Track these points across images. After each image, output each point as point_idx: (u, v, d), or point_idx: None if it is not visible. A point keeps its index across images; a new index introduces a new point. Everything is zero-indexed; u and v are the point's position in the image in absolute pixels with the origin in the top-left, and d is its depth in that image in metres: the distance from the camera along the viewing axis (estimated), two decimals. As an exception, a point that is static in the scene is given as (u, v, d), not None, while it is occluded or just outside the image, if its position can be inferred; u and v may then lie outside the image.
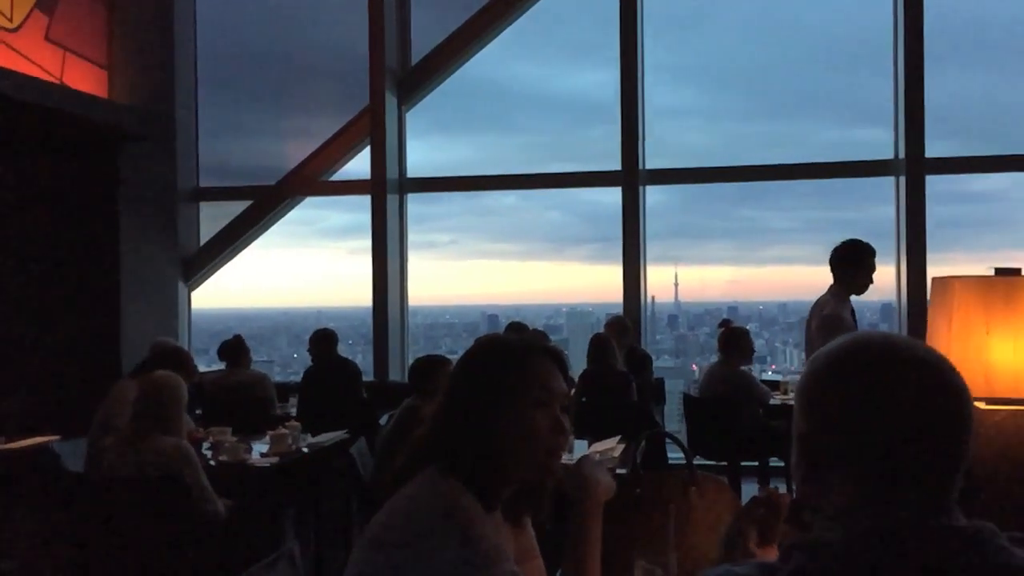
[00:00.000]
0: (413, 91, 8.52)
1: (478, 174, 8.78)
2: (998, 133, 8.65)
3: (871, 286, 4.69)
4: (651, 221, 8.16)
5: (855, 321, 4.60)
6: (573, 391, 6.49)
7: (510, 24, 8.39)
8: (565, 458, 4.72)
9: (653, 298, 10.11)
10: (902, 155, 7.42)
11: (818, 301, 4.70)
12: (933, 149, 7.46)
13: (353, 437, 5.05)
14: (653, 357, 10.89)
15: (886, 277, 7.74)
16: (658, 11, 8.16)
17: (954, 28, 8.18)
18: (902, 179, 7.42)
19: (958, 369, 2.20)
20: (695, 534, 2.77)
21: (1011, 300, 2.28)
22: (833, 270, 4.64)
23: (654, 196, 8.26)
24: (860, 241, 4.66)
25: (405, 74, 8.47)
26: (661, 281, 10.19)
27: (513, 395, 1.69)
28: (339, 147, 8.64)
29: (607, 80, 8.10)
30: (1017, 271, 2.35)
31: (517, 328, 6.60)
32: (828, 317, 4.48)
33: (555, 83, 10.19)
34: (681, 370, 11.03)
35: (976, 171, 7.87)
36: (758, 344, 11.33)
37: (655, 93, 8.21)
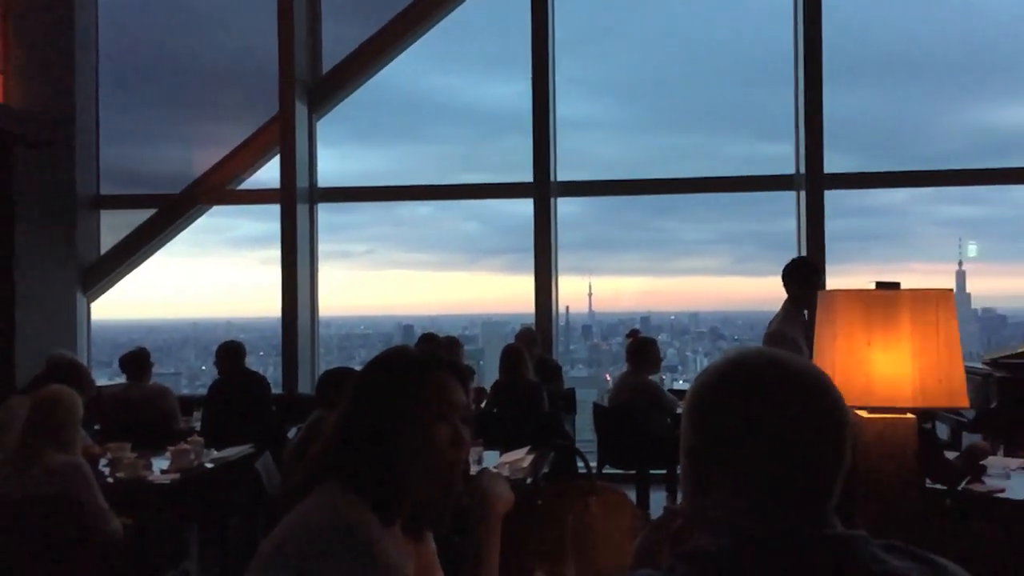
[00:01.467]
0: (324, 100, 8.44)
1: (391, 184, 8.74)
2: (895, 149, 9.05)
3: None
4: (566, 232, 8.25)
5: (807, 336, 4.68)
6: (484, 402, 6.52)
7: (422, 35, 8.40)
8: (474, 469, 4.74)
9: (568, 308, 10.24)
10: (803, 170, 7.67)
11: (773, 316, 4.82)
12: (833, 165, 7.74)
13: (259, 451, 4.97)
14: (568, 367, 11.03)
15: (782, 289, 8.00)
16: (571, 25, 8.28)
17: (853, 47, 8.52)
18: (803, 193, 7.67)
19: (843, 379, 2.29)
20: (595, 543, 2.82)
21: (890, 313, 2.38)
22: (785, 287, 4.75)
23: (569, 207, 8.36)
24: (805, 259, 4.85)
25: (316, 83, 8.39)
26: (576, 291, 10.33)
27: (413, 408, 1.68)
28: (248, 155, 8.50)
29: (520, 92, 8.18)
30: (896, 285, 2.46)
31: (429, 339, 6.59)
32: (770, 334, 4.62)
33: (469, 94, 10.25)
34: (595, 379, 11.16)
35: (873, 186, 8.19)
36: (669, 353, 11.59)
37: (569, 106, 8.33)
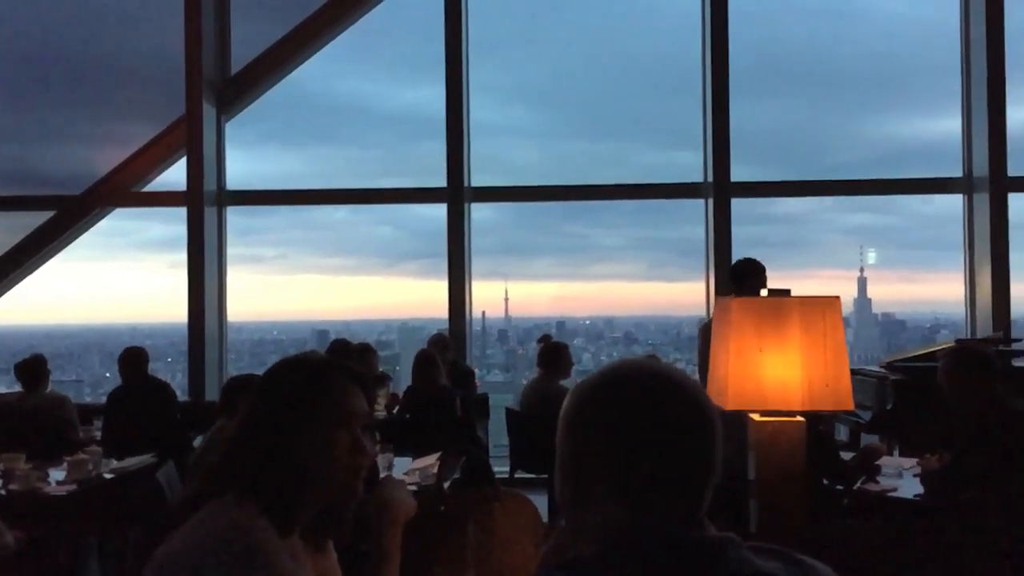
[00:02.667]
0: (234, 100, 8.27)
1: (305, 188, 8.62)
2: (800, 160, 9.34)
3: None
4: (482, 237, 8.27)
5: None
6: (397, 408, 6.49)
7: (336, 36, 8.31)
8: (384, 475, 4.68)
9: (484, 313, 10.25)
10: (710, 179, 7.85)
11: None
12: (741, 173, 7.95)
13: (162, 461, 4.84)
14: (484, 372, 11.02)
15: (699, 294, 8.18)
16: (488, 31, 8.30)
17: (760, 60, 8.77)
18: (710, 201, 7.85)
19: (736, 383, 2.35)
20: (498, 549, 2.82)
21: (780, 320, 2.46)
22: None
23: (485, 212, 8.37)
24: (747, 260, 4.94)
25: (225, 83, 8.22)
26: (492, 296, 10.35)
27: (311, 416, 1.66)
28: (154, 156, 8.28)
29: (436, 96, 8.17)
30: (787, 292, 2.54)
31: (341, 345, 6.51)
32: (702, 328, 4.73)
33: (385, 97, 10.18)
34: (511, 384, 11.20)
35: (777, 195, 8.43)
36: (584, 358, 11.70)
37: (486, 111, 8.34)
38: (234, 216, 8.47)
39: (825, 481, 4.28)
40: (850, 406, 2.47)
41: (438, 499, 2.84)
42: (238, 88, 8.25)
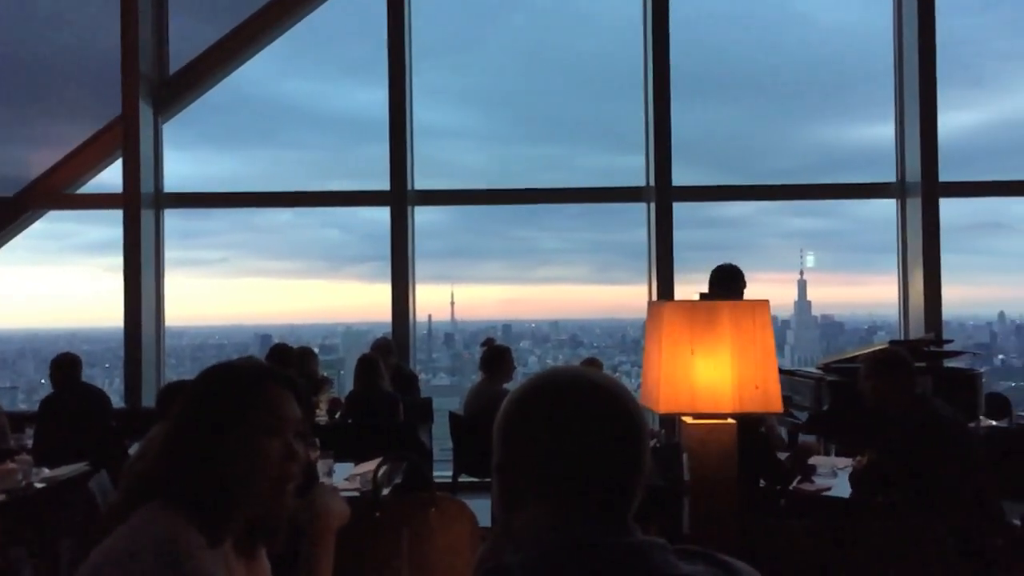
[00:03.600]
0: (172, 101, 8.13)
1: (248, 190, 8.50)
2: (742, 164, 9.47)
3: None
4: (429, 240, 8.24)
5: None
6: (339, 413, 6.43)
7: (277, 37, 8.22)
8: (324, 482, 4.64)
9: (430, 317, 10.21)
10: (652, 183, 7.93)
11: None
12: (685, 177, 8.05)
13: (95, 469, 4.73)
14: (430, 375, 10.95)
15: (644, 297, 8.25)
16: (434, 34, 8.28)
17: (705, 66, 8.88)
18: (653, 205, 7.93)
19: (668, 387, 2.37)
20: (434, 554, 2.81)
21: (712, 323, 2.49)
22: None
23: (432, 216, 8.34)
24: (726, 267, 5.00)
25: (162, 83, 8.07)
26: (438, 300, 10.31)
27: (241, 423, 1.63)
28: (89, 158, 8.10)
29: (379, 99, 8.13)
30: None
31: (280, 350, 6.44)
32: None
33: (330, 99, 10.09)
34: (457, 388, 11.18)
35: (718, 199, 8.54)
36: (531, 361, 11.72)
37: (434, 114, 8.30)
38: (174, 219, 8.32)
39: (763, 481, 4.36)
40: (779, 408, 2.51)
41: (373, 506, 2.83)
42: (176, 88, 8.11)
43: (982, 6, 8.96)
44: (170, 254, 8.27)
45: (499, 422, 1.30)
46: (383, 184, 8.00)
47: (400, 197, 7.92)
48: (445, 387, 11.12)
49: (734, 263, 5.02)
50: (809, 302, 10.50)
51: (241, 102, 8.83)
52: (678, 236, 7.94)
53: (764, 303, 2.59)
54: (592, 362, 6.67)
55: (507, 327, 11.78)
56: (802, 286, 10.21)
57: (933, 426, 3.76)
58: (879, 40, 8.22)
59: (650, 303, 2.70)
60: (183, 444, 1.62)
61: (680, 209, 8.03)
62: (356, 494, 4.38)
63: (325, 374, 7.22)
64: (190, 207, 8.49)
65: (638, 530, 1.23)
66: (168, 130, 8.25)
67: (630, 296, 8.44)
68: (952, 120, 8.21)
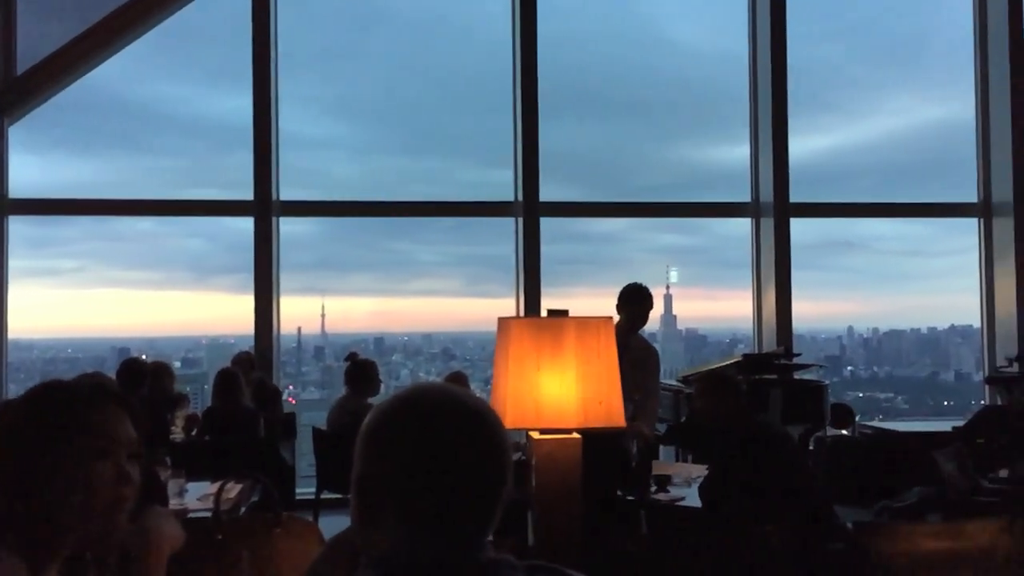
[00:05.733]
0: (19, 102, 7.70)
1: (105, 197, 8.14)
2: (611, 181, 9.70)
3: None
4: (299, 251, 8.10)
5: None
6: (195, 430, 6.21)
7: (137, 38, 7.91)
8: (175, 503, 4.46)
9: (300, 329, 10.01)
10: (520, 198, 8.03)
11: None
12: (555, 193, 8.19)
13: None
14: (299, 389, 10.71)
15: (511, 311, 8.32)
16: (307, 42, 8.15)
17: (575, 83, 9.07)
18: (520, 220, 8.03)
19: (515, 402, 2.39)
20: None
21: (557, 339, 2.54)
22: None
23: (302, 227, 8.20)
24: (633, 286, 5.13)
25: (8, 84, 7.64)
26: (309, 312, 10.12)
27: (67, 445, 1.55)
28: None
29: (246, 106, 7.93)
30: (565, 312, 2.63)
31: (130, 365, 6.18)
32: None
33: (195, 105, 9.76)
34: (327, 402, 10.98)
35: (584, 215, 8.74)
36: (403, 374, 11.63)
37: (305, 124, 8.17)
38: (24, 226, 7.91)
39: (619, 492, 4.47)
40: (622, 422, 2.58)
41: (214, 527, 2.74)
42: (23, 89, 7.68)
43: (833, 35, 9.49)
44: (19, 263, 7.86)
45: (361, 436, 1.28)
46: (248, 194, 7.81)
47: (264, 207, 7.75)
48: (315, 401, 10.92)
49: (640, 282, 5.21)
50: (674, 316, 10.85)
51: (99, 105, 8.47)
52: (550, 250, 8.07)
53: (608, 320, 2.66)
54: (457, 376, 6.67)
55: (379, 340, 11.69)
56: (668, 300, 10.53)
57: (759, 439, 4.02)
58: (737, 65, 8.60)
59: (499, 319, 2.72)
60: (3, 469, 1.53)
61: (553, 224, 8.17)
62: (208, 514, 4.24)
63: (188, 388, 6.99)
64: (40, 214, 8.07)
65: (490, 548, 1.24)
66: (15, 133, 7.82)
67: (500, 309, 8.51)
68: (804, 144, 8.66)
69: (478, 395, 1.39)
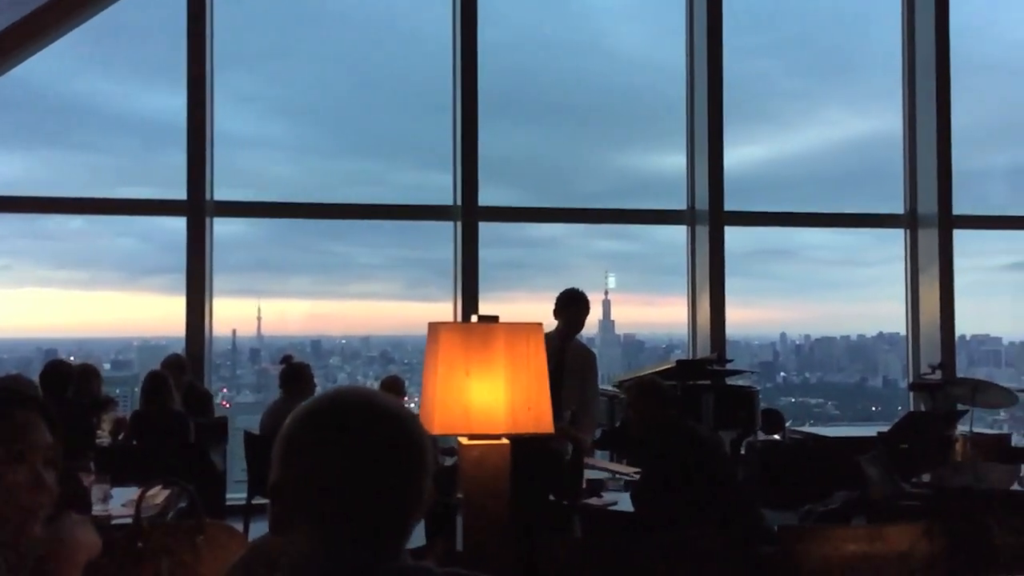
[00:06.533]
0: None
1: (32, 194, 7.91)
2: (552, 186, 9.74)
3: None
4: (235, 252, 7.98)
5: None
6: (122, 434, 6.08)
7: (66, 32, 7.72)
8: (99, 509, 4.34)
9: (235, 332, 9.85)
10: (459, 202, 8.03)
11: None
12: (495, 198, 8.21)
13: None
14: (234, 392, 10.52)
15: (449, 315, 8.30)
16: (246, 41, 8.04)
17: (515, 87, 9.10)
18: (459, 224, 8.03)
19: (443, 407, 2.39)
20: (202, 584, 2.70)
21: (487, 345, 2.54)
22: None
23: (239, 228, 8.08)
24: (571, 291, 5.15)
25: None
26: (245, 314, 9.96)
27: None
28: None
29: (181, 104, 7.79)
30: (495, 318, 2.64)
31: (55, 367, 6.00)
32: None
33: (127, 101, 9.55)
34: (262, 405, 10.82)
35: (523, 220, 8.78)
36: (340, 378, 11.50)
37: (243, 123, 8.05)
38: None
39: (552, 497, 4.48)
40: (550, 429, 2.60)
41: (134, 535, 2.68)
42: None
43: (769, 49, 9.69)
44: (-60, 261, 7.58)
45: (279, 440, 1.26)
46: (181, 193, 7.67)
47: (197, 207, 7.62)
48: (250, 404, 10.76)
49: (577, 287, 5.27)
50: (613, 321, 10.93)
51: (28, 100, 8.26)
52: (490, 255, 8.08)
53: (538, 326, 2.68)
54: (394, 380, 6.64)
55: (316, 343, 11.56)
56: (606, 306, 10.61)
57: (688, 444, 4.09)
58: (675, 75, 8.73)
59: (429, 324, 2.72)
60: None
61: (493, 228, 8.18)
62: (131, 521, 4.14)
63: (118, 391, 6.84)
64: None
65: (408, 556, 1.23)
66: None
67: (439, 313, 8.48)
68: (740, 153, 8.82)
69: (415, 399, 1.39)
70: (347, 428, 1.23)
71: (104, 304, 10.52)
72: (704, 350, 8.08)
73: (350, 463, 1.21)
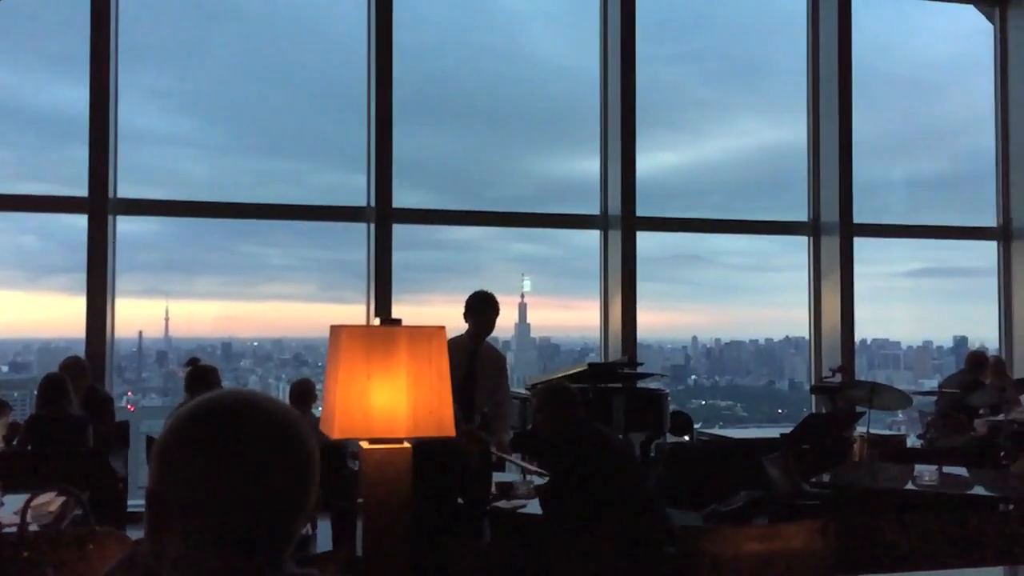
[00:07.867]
0: None
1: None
2: (468, 189, 9.74)
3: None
4: (141, 252, 7.75)
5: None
6: (17, 439, 5.85)
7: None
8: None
9: (141, 333, 9.55)
10: (373, 204, 7.96)
11: None
12: (411, 200, 8.16)
13: None
14: (139, 396, 10.20)
15: (362, 318, 8.22)
16: (154, 35, 7.82)
17: (433, 91, 9.07)
18: (373, 225, 7.96)
19: (344, 411, 2.36)
20: (90, 595, 2.61)
21: (389, 348, 2.52)
22: None
23: (145, 226, 7.84)
24: (480, 293, 5.25)
25: None
26: (152, 315, 9.66)
27: None
28: None
29: (84, 97, 7.53)
30: (398, 321, 2.62)
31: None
32: None
33: (27, 93, 9.19)
34: (170, 409, 10.54)
35: (437, 223, 8.75)
36: (252, 380, 11.26)
37: (151, 119, 7.82)
38: None
39: (460, 501, 4.47)
40: (452, 432, 2.59)
41: (19, 543, 2.59)
42: None
43: (682, 58, 9.88)
44: None
45: (157, 443, 1.22)
46: (83, 190, 7.41)
47: (99, 205, 7.37)
48: (156, 408, 10.46)
49: (487, 290, 5.32)
50: (528, 324, 10.98)
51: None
52: (405, 257, 8.03)
53: (440, 329, 2.67)
54: (304, 383, 6.56)
55: (227, 345, 11.30)
56: (522, 309, 10.65)
57: (594, 447, 4.14)
58: (590, 82, 8.83)
59: (331, 327, 2.68)
60: None
61: (409, 230, 8.13)
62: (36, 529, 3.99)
63: (16, 395, 6.58)
64: None
65: (291, 564, 1.20)
66: None
67: (353, 315, 8.39)
68: (652, 160, 8.96)
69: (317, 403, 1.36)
70: (224, 432, 1.20)
71: (2, 304, 10.10)
72: (616, 353, 8.18)
73: (226, 469, 1.18)
